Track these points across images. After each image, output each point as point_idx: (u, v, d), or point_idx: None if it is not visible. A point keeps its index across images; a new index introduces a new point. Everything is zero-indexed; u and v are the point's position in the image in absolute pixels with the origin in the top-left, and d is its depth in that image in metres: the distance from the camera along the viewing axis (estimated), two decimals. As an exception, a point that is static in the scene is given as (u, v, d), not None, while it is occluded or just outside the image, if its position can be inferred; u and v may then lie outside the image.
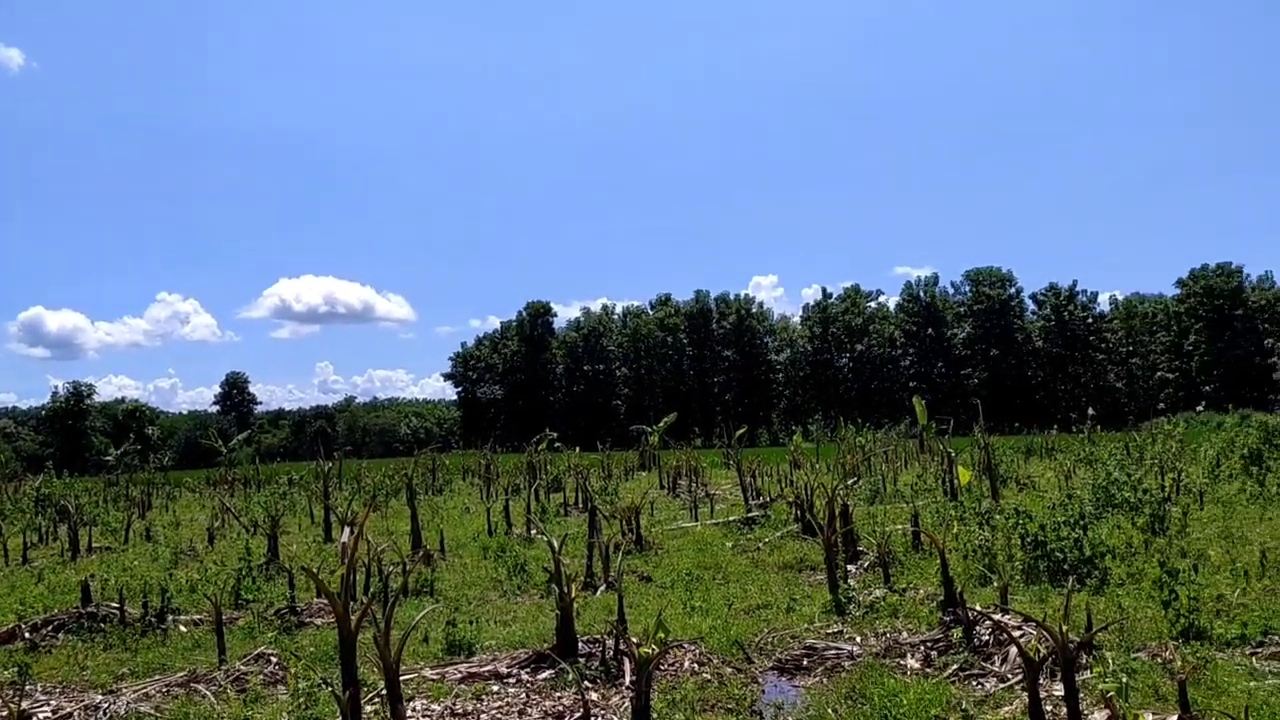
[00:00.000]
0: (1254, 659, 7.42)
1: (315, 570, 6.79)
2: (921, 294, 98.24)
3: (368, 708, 6.77)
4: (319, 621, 10.43)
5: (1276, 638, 7.77)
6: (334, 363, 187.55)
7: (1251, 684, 6.74)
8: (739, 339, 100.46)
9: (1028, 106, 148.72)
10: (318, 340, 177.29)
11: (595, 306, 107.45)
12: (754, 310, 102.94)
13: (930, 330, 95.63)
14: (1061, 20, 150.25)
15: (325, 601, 10.57)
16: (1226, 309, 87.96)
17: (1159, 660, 7.40)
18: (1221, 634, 7.96)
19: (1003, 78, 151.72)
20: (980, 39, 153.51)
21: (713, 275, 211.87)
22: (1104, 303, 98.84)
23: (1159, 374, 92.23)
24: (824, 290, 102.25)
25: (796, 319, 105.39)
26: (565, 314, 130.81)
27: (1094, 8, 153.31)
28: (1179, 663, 7.05)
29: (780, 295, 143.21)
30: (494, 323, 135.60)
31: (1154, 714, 5.58)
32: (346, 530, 11.68)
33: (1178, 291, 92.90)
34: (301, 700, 7.08)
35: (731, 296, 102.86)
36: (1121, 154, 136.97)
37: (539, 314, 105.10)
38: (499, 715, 6.98)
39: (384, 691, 6.01)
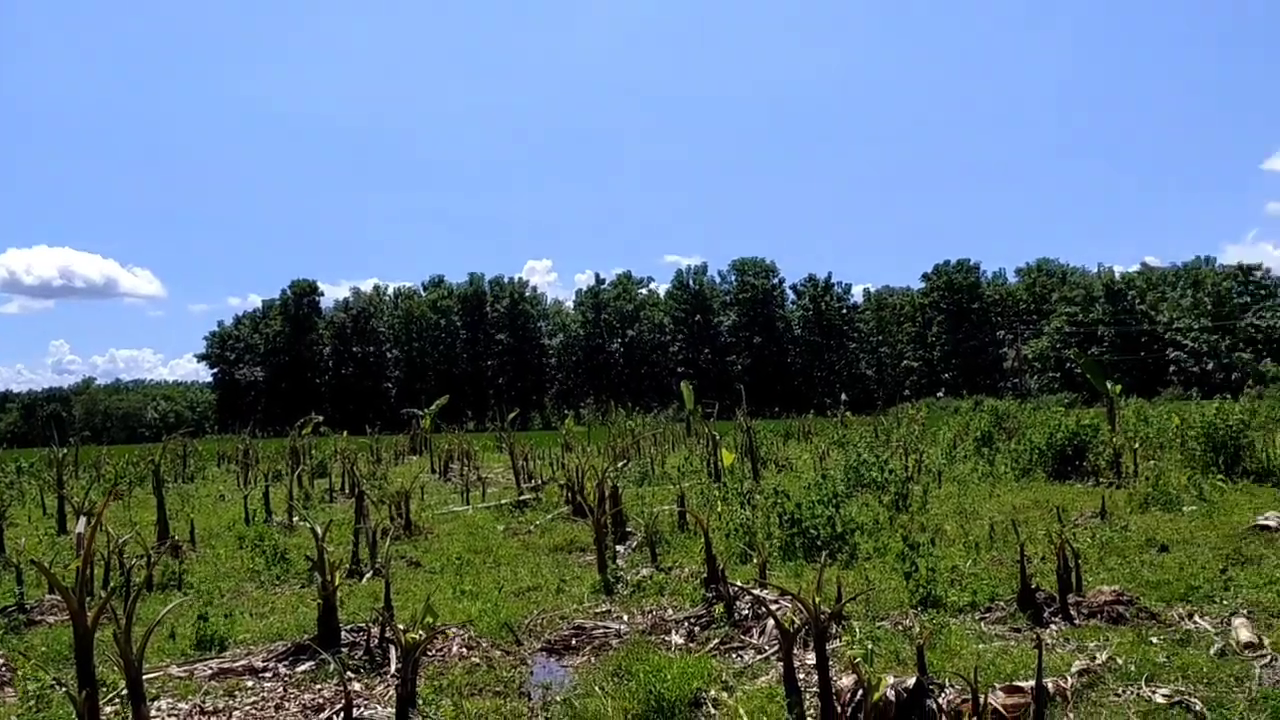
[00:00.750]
0: (982, 623, 8.09)
1: (48, 564, 6.19)
2: (691, 282, 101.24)
3: (107, 709, 6.27)
4: (52, 620, 9.57)
5: (1001, 603, 8.49)
6: (70, 341, 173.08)
7: (980, 646, 7.35)
8: (513, 323, 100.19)
9: (792, 106, 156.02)
10: (52, 316, 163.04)
11: (366, 287, 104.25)
12: (528, 294, 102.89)
13: (698, 317, 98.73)
14: (826, 25, 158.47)
15: (59, 598, 9.71)
16: (965, 302, 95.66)
17: (901, 627, 7.95)
18: (955, 601, 8.63)
19: (769, 78, 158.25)
20: (748, 38, 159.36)
21: (487, 259, 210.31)
22: (857, 294, 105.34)
23: (905, 362, 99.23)
24: (597, 276, 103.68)
25: (570, 304, 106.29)
26: (333, 294, 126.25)
27: (856, 17, 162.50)
28: (917, 629, 7.59)
29: (554, 280, 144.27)
30: (255, 301, 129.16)
31: (894, 676, 5.97)
32: (82, 520, 10.78)
33: (923, 285, 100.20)
34: (31, 703, 6.48)
35: (506, 280, 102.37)
36: (876, 155, 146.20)
37: (304, 293, 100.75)
38: (253, 711, 6.62)
39: (125, 691, 5.58)
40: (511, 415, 40.87)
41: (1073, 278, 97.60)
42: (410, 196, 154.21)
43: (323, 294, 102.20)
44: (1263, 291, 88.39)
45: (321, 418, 38.70)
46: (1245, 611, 7.95)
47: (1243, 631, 7.28)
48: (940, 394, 79.99)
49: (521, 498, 18.39)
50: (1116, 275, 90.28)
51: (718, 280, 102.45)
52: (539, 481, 20.73)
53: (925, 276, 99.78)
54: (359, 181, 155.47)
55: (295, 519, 16.47)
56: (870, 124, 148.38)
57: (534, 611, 9.32)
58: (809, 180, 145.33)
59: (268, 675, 7.39)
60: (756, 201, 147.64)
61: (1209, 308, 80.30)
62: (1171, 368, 76.48)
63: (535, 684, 7.16)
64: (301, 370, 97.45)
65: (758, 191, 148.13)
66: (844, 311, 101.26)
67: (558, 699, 6.70)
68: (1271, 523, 11.49)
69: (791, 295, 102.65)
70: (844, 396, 43.57)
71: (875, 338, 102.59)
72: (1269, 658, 6.80)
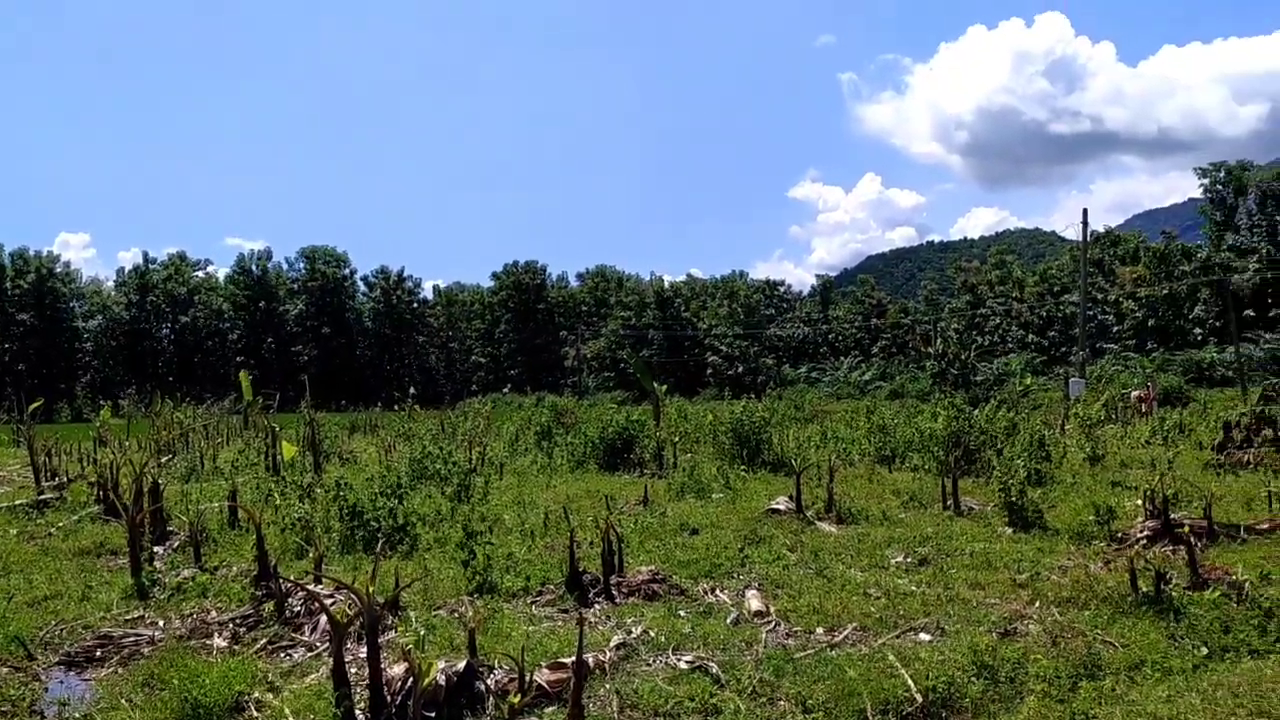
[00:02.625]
0: (533, 606, 8.45)
1: None
2: (254, 267, 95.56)
3: None
4: None
5: (552, 586, 8.92)
6: None
7: (530, 628, 7.66)
8: (39, 302, 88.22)
9: (370, 100, 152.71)
10: None
11: None
12: (59, 271, 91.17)
13: (262, 304, 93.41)
14: (409, 19, 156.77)
15: None
16: (532, 303, 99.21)
17: (456, 614, 8.08)
18: (510, 587, 8.92)
19: (352, 68, 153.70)
20: (334, 24, 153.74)
21: (8, 229, 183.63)
22: (429, 290, 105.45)
23: (474, 358, 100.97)
24: (145, 255, 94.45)
25: (111, 284, 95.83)
26: None
27: (445, 15, 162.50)
28: (471, 614, 7.76)
29: (93, 256, 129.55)
30: None
31: (446, 660, 6.05)
32: None
33: (493, 284, 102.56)
34: None
35: (31, 253, 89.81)
36: (456, 155, 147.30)
37: None
38: None
39: None
40: (34, 406, 35.94)
41: (629, 284, 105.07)
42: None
43: None
44: (785, 305, 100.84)
45: None
46: (756, 584, 9.02)
47: (754, 602, 8.26)
48: (506, 390, 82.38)
49: (41, 497, 16.25)
50: (666, 284, 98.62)
51: (285, 267, 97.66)
52: (65, 479, 18.44)
53: (495, 276, 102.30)
54: None
55: None
56: (451, 125, 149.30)
57: (52, 622, 8.29)
58: (383, 174, 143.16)
59: None
60: (329, 190, 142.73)
61: (741, 317, 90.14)
62: (709, 370, 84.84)
63: (50, 700, 6.37)
64: None
65: (331, 180, 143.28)
66: (415, 306, 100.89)
67: (76, 715, 6.03)
68: (781, 506, 13.13)
69: (363, 287, 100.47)
70: (412, 390, 43.32)
71: (446, 333, 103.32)
72: (774, 623, 7.77)
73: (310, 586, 8.12)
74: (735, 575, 9.48)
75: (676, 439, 21.56)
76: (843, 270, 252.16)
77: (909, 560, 10.04)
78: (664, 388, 32.32)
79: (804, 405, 42.67)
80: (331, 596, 7.97)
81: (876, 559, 10.14)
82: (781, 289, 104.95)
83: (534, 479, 18.19)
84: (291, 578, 8.65)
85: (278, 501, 13.12)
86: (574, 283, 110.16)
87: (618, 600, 8.51)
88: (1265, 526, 10.92)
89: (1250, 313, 61.65)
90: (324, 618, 7.39)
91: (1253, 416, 18.33)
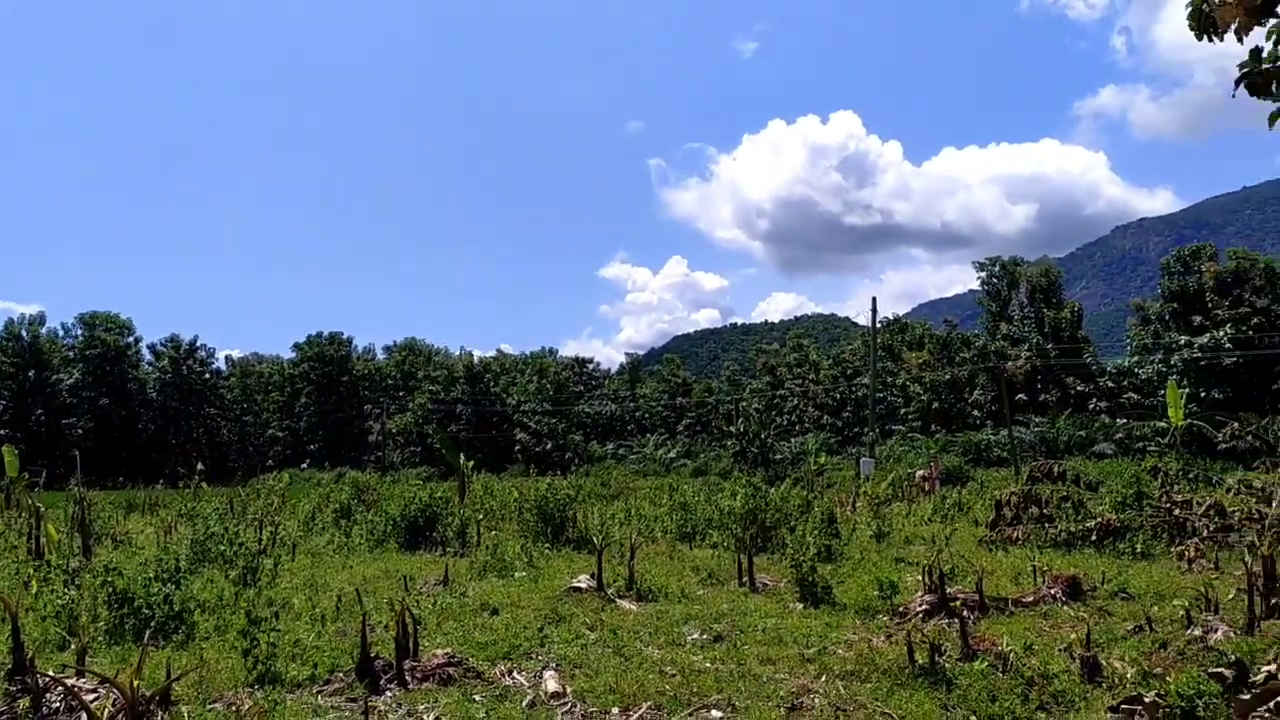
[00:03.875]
0: (319, 696, 8.07)
1: None
2: (24, 333, 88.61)
3: None
4: None
5: (341, 674, 8.56)
6: None
7: (314, 719, 7.31)
8: None
9: (157, 161, 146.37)
10: None
11: None
12: None
13: (31, 373, 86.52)
14: (164, 72, 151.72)
15: None
16: (335, 375, 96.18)
17: (234, 708, 7.61)
18: (295, 676, 8.50)
19: (134, 125, 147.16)
20: (86, 85, 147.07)
21: None
22: (222, 360, 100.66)
23: (270, 431, 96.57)
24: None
25: None
26: None
27: (222, 73, 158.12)
28: (249, 707, 7.34)
29: None
30: None
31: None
32: None
33: (294, 355, 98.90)
34: None
35: None
36: (255, 225, 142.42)
37: None
38: None
39: None
40: None
41: (438, 358, 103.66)
42: None
43: None
44: (594, 382, 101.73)
45: None
46: (554, 665, 8.95)
47: (551, 683, 8.19)
48: (305, 465, 79.12)
49: None
50: (476, 359, 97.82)
51: (61, 334, 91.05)
52: None
53: (297, 347, 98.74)
54: None
55: None
56: (256, 190, 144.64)
57: None
58: (177, 239, 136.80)
59: None
60: (113, 256, 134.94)
61: (551, 393, 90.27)
62: (518, 446, 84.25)
63: None
64: None
65: (119, 244, 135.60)
66: (207, 377, 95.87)
67: None
68: (583, 584, 13.12)
69: (149, 356, 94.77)
70: (200, 466, 40.98)
71: (240, 405, 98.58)
72: (569, 704, 7.72)
73: (70, 681, 7.49)
74: (534, 655, 9.37)
75: (481, 516, 21.25)
76: (650, 349, 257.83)
77: (705, 637, 10.20)
78: (471, 464, 31.86)
79: (610, 482, 42.99)
80: (94, 691, 7.37)
81: (673, 636, 10.25)
82: (590, 366, 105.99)
83: (329, 560, 17.48)
84: (50, 672, 7.96)
85: (36, 588, 12.08)
86: (381, 355, 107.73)
87: (411, 686, 8.25)
88: (1030, 599, 11.73)
89: (1022, 397, 66.62)
90: (85, 714, 6.83)
91: (1021, 495, 19.72)
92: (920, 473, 37.15)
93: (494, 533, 20.26)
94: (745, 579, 13.64)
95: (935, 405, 74.17)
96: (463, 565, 16.04)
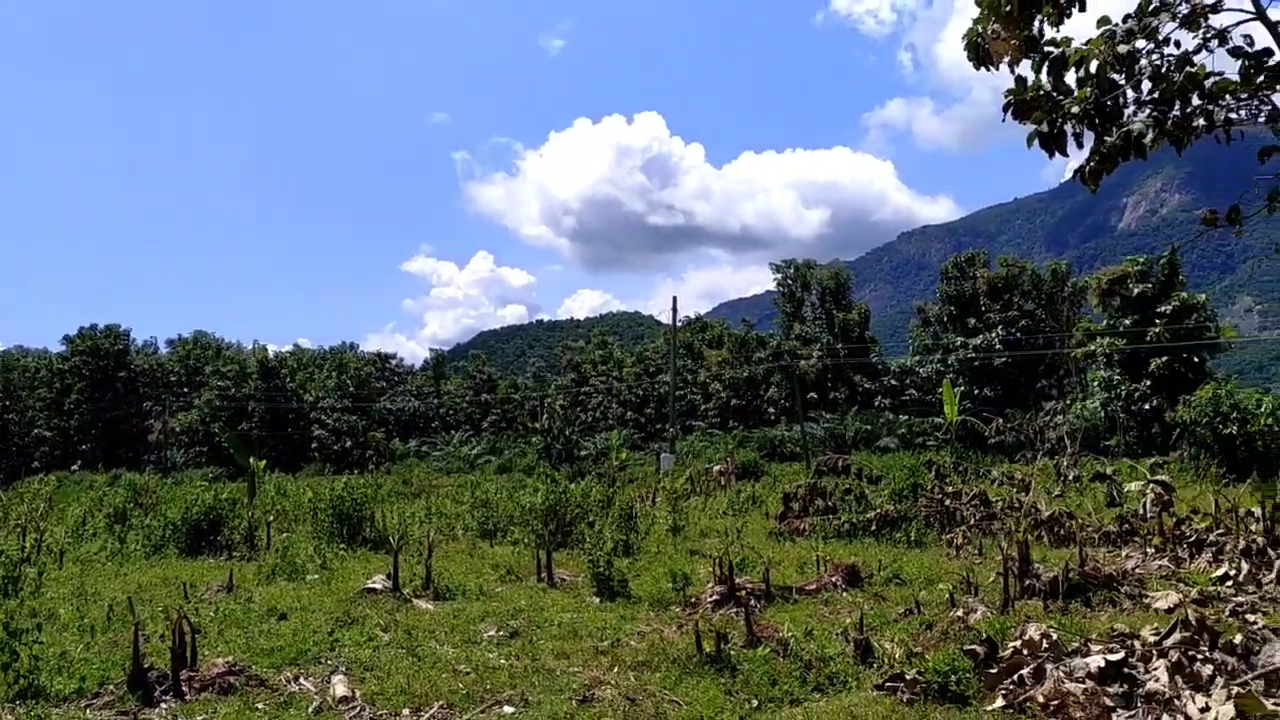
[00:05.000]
0: (88, 710, 7.61)
1: None
2: None
3: None
4: None
5: (112, 686, 8.09)
6: None
7: (80, 736, 6.89)
8: None
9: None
10: None
11: None
12: None
13: None
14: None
15: None
16: (111, 370, 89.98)
17: (-13, 728, 7.08)
18: (61, 690, 7.98)
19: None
20: None
21: None
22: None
23: (37, 431, 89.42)
24: None
25: None
26: None
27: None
28: (6, 726, 6.84)
29: None
30: None
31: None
32: None
33: (64, 349, 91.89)
34: None
35: None
36: (24, 203, 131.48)
37: None
38: None
39: None
40: None
41: (228, 352, 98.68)
42: None
43: None
44: (397, 378, 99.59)
45: None
46: (344, 669, 8.76)
47: (339, 688, 8.01)
48: (76, 467, 73.70)
49: None
50: (271, 353, 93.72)
51: None
52: None
53: (68, 340, 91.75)
54: None
55: None
56: (21, 170, 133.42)
57: None
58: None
59: None
60: None
61: (351, 390, 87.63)
62: (315, 444, 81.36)
63: None
64: None
65: None
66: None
67: None
68: (378, 585, 12.86)
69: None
70: (-46, 468, 37.70)
71: (2, 403, 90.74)
72: (359, 708, 7.59)
73: None
74: (324, 660, 9.13)
75: (272, 518, 20.44)
76: (456, 345, 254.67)
77: (501, 633, 10.23)
78: (263, 463, 30.57)
79: (412, 480, 42.26)
80: None
81: (469, 634, 10.22)
82: (394, 362, 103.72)
83: (101, 568, 16.40)
84: None
85: None
86: (164, 349, 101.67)
87: (188, 697, 7.89)
88: (813, 587, 12.36)
89: (813, 395, 69.73)
90: None
91: (808, 488, 20.70)
92: (717, 468, 38.34)
93: (285, 535, 19.53)
94: (544, 574, 13.73)
95: (734, 402, 76.65)
96: (250, 570, 15.39)
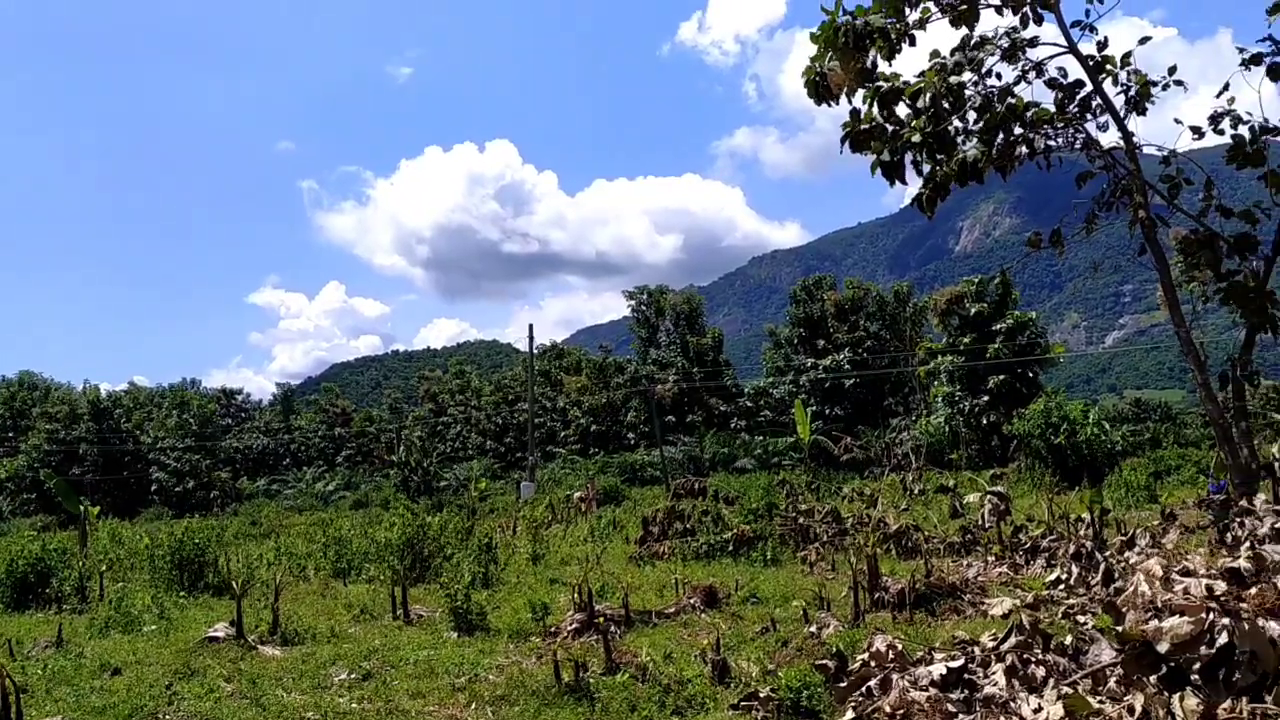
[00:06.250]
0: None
1: None
2: None
3: None
4: None
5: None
6: None
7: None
8: None
9: None
10: None
11: None
12: None
13: None
14: None
15: None
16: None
17: None
18: None
19: None
20: None
21: None
22: None
23: None
24: None
25: None
26: None
27: None
28: None
29: None
30: None
31: None
32: None
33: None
34: None
35: None
36: None
37: None
38: None
39: None
40: None
41: (57, 393, 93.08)
42: None
43: None
44: (243, 414, 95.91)
45: None
46: (184, 722, 8.31)
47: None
48: (-113, 521, 67.98)
49: None
50: (104, 393, 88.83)
51: None
52: None
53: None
54: None
55: None
56: None
57: None
58: None
59: None
60: None
61: (194, 428, 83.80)
62: (154, 487, 77.37)
63: None
64: None
65: None
66: None
67: None
68: (221, 633, 12.27)
69: None
70: None
71: None
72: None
73: None
74: (161, 716, 8.66)
75: (105, 567, 19.29)
76: (307, 378, 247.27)
77: (353, 676, 9.89)
78: (96, 510, 28.87)
79: (261, 520, 40.73)
80: None
81: (319, 679, 9.85)
82: (240, 398, 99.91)
83: (-88, 629, 15.13)
84: None
85: None
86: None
87: (8, 765, 7.34)
88: (672, 610, 12.42)
89: (671, 418, 70.47)
90: None
91: (666, 512, 20.86)
92: (578, 494, 38.23)
93: (121, 584, 18.46)
94: (400, 612, 13.38)
95: (594, 428, 76.74)
96: (82, 623, 14.48)
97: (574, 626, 11.16)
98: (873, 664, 6.94)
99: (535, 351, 65.36)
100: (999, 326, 49.28)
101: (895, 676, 6.55)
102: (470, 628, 12.05)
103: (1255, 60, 12.69)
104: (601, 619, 10.61)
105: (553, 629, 11.48)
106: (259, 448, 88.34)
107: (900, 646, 7.19)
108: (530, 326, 57.92)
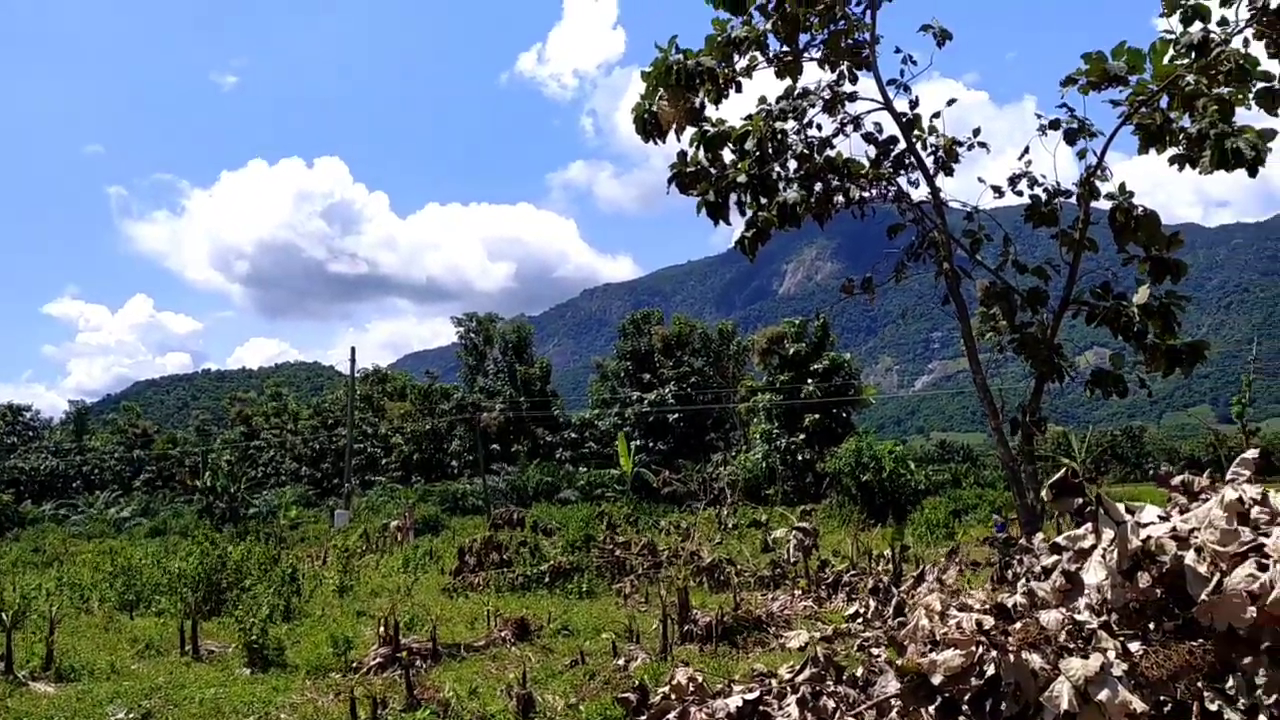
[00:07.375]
0: None
1: None
2: None
3: None
4: None
5: None
6: None
7: None
8: None
9: None
10: None
11: None
12: None
13: None
14: None
15: None
16: None
17: None
18: None
19: None
20: None
21: None
22: None
23: None
24: None
25: None
26: None
27: None
28: None
29: None
30: None
31: None
32: None
33: None
34: None
35: None
36: None
37: None
38: None
39: None
40: None
41: None
42: None
43: None
44: (31, 433, 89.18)
45: None
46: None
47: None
48: None
49: None
50: None
51: None
52: None
53: None
54: None
55: None
56: None
57: None
58: None
59: None
60: None
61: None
62: (-75, 509, 70.68)
63: None
64: None
65: None
66: None
67: None
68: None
69: None
70: None
71: None
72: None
73: None
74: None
75: None
76: (106, 396, 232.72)
77: (131, 716, 9.24)
78: None
79: (45, 547, 37.94)
80: None
81: (94, 718, 9.16)
82: (28, 415, 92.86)
83: None
84: None
85: None
86: None
87: None
88: (482, 643, 12.19)
89: (496, 447, 69.74)
90: None
91: (483, 542, 20.53)
92: (395, 523, 37.24)
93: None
94: (189, 647, 12.61)
95: (416, 455, 75.08)
96: None
97: (377, 661, 10.80)
98: (673, 697, 6.97)
99: (359, 375, 63.58)
100: (816, 367, 51.15)
101: (694, 709, 6.60)
102: (265, 664, 11.48)
103: (1054, 125, 13.64)
104: (407, 653, 10.31)
105: (355, 664, 11.07)
106: (47, 469, 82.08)
107: (701, 679, 7.25)
108: (353, 349, 56.42)
